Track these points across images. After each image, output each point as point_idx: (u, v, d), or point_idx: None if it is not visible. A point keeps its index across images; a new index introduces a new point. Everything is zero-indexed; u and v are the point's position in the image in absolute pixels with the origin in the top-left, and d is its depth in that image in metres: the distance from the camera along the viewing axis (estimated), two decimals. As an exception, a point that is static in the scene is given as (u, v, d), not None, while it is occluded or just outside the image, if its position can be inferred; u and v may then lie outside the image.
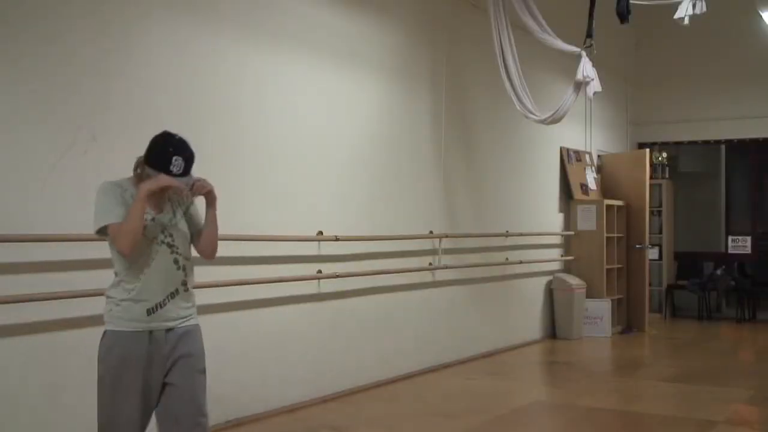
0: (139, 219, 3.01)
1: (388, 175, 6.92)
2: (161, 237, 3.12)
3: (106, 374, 3.13)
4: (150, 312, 3.09)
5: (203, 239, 3.28)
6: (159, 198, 3.17)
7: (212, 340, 5.11)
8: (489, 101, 8.40)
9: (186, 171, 3.13)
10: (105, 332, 3.15)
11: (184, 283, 3.20)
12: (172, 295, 3.14)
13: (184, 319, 3.20)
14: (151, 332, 3.09)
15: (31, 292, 4.11)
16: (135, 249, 3.03)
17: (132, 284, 3.07)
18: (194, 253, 3.32)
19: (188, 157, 3.16)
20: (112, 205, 3.07)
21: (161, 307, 3.10)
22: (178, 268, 3.17)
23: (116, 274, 3.14)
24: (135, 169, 3.22)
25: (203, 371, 3.24)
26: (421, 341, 7.32)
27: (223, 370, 5.15)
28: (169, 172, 3.07)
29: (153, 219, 3.13)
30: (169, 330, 3.14)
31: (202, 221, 3.32)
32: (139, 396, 3.09)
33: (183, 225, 3.23)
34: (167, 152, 3.12)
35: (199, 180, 3.17)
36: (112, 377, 3.11)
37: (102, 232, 3.10)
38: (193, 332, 3.23)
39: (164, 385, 3.14)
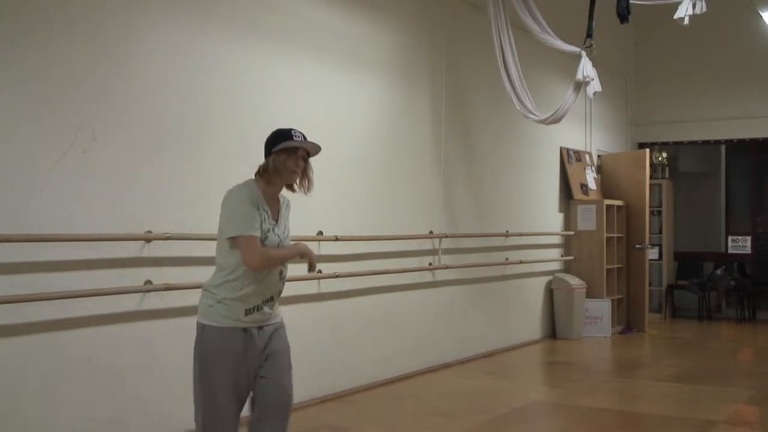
0: (282, 261, 3.31)
1: (388, 175, 6.92)
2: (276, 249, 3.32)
3: (204, 367, 3.26)
4: (248, 312, 3.27)
5: None
6: (276, 201, 3.38)
7: (212, 340, 5.13)
8: (489, 101, 8.40)
9: (305, 138, 3.32)
10: (203, 326, 3.28)
11: (280, 292, 3.41)
12: (268, 300, 3.34)
13: (274, 317, 3.40)
14: (245, 329, 3.27)
15: (31, 292, 4.11)
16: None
17: (240, 287, 3.24)
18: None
19: (303, 133, 3.35)
20: (250, 217, 3.22)
21: (258, 309, 3.29)
22: (280, 279, 3.38)
23: (222, 270, 3.28)
24: (258, 173, 3.37)
25: (290, 365, 3.44)
26: (421, 341, 7.32)
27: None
28: (292, 138, 3.28)
29: (274, 229, 3.32)
30: (260, 327, 3.32)
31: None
32: (234, 387, 3.26)
33: (289, 241, 3.43)
34: (285, 130, 3.35)
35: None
36: (210, 370, 3.25)
37: (231, 238, 3.24)
38: (282, 330, 3.44)
39: (257, 377, 3.32)
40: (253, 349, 3.28)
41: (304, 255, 3.35)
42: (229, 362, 3.24)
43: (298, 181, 3.39)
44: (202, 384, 3.27)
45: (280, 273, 3.36)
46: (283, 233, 3.38)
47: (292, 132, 3.33)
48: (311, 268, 3.37)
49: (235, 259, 3.24)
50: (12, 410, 4.08)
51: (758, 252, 11.85)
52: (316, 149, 3.38)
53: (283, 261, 3.32)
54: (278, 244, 3.32)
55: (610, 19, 7.93)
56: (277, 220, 3.36)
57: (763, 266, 11.81)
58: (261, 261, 3.22)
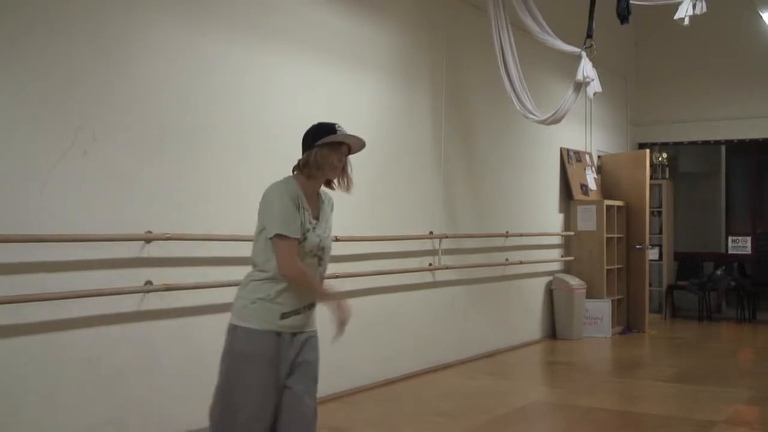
0: (309, 287, 3.16)
1: (388, 175, 6.92)
2: (315, 250, 3.20)
3: (230, 371, 3.15)
4: (285, 316, 3.14)
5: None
6: (316, 198, 3.26)
7: (213, 341, 5.12)
8: (489, 101, 8.40)
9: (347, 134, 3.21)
10: (235, 328, 3.16)
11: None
12: (308, 306, 3.22)
13: (310, 325, 3.28)
14: (279, 333, 3.14)
15: (31, 293, 4.11)
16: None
17: (278, 287, 3.13)
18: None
19: (343, 127, 3.24)
20: (293, 217, 3.11)
21: (296, 314, 3.17)
22: (319, 280, 3.25)
23: (262, 270, 3.16)
24: (296, 168, 3.24)
25: (317, 379, 3.32)
26: (421, 341, 7.32)
27: (223, 370, 5.15)
28: (335, 132, 3.18)
29: (314, 228, 3.19)
30: (294, 334, 3.20)
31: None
32: (263, 394, 3.12)
33: (330, 236, 3.32)
34: (328, 124, 3.23)
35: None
36: (236, 375, 3.13)
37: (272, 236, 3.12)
38: (316, 340, 3.31)
39: (284, 387, 3.18)
40: (284, 355, 3.15)
41: (337, 310, 3.18)
42: (258, 367, 3.10)
43: (337, 179, 3.28)
44: (225, 388, 3.15)
45: (320, 274, 3.26)
46: (324, 233, 3.25)
47: (336, 126, 3.22)
48: (339, 331, 3.21)
49: (272, 256, 3.14)
50: (12, 410, 4.08)
51: (758, 252, 11.85)
52: (360, 145, 3.27)
53: (311, 286, 3.16)
54: (318, 244, 3.19)
55: (610, 19, 7.92)
56: (317, 219, 3.24)
57: (763, 266, 11.81)
58: (296, 276, 3.10)
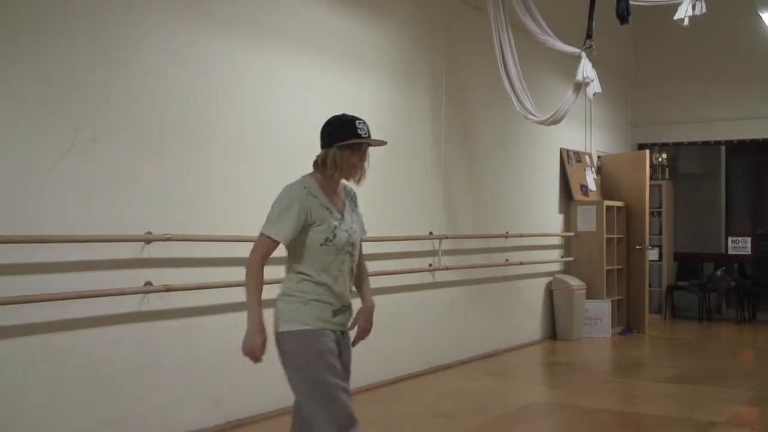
0: (248, 292, 3.05)
1: (388, 176, 6.91)
2: (347, 247, 3.16)
3: (305, 366, 3.07)
4: (336, 313, 3.14)
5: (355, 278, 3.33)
6: (336, 194, 3.19)
7: (213, 340, 5.13)
8: (489, 102, 8.39)
9: (369, 134, 3.12)
10: (283, 334, 3.09)
11: (350, 290, 3.26)
12: (349, 305, 3.22)
13: (346, 326, 3.26)
14: (333, 331, 3.14)
15: (31, 293, 4.11)
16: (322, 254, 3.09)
17: (320, 289, 3.10)
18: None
19: (366, 122, 3.14)
20: (287, 219, 3.04)
21: (343, 312, 3.17)
22: (351, 277, 3.23)
23: (302, 272, 3.10)
24: (317, 165, 3.16)
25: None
26: (421, 342, 7.32)
27: (223, 370, 5.15)
28: (358, 136, 3.06)
29: (340, 225, 3.14)
30: (343, 333, 3.22)
31: (363, 225, 3.37)
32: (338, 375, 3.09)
33: (359, 231, 3.28)
34: (348, 120, 3.11)
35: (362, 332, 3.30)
36: (312, 365, 3.06)
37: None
38: (349, 340, 3.29)
39: None
40: (341, 352, 3.16)
41: (246, 345, 3.03)
42: (332, 360, 3.06)
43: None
44: (311, 387, 3.06)
45: (352, 271, 3.22)
46: (351, 228, 3.18)
47: (357, 124, 3.08)
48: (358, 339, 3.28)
49: (303, 255, 3.09)
50: (12, 411, 4.07)
51: (758, 253, 11.84)
52: (380, 144, 3.20)
53: (250, 306, 3.04)
54: (347, 240, 3.13)
55: (609, 19, 7.92)
56: (342, 215, 3.16)
57: (763, 267, 11.81)
58: (248, 273, 3.03)
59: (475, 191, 8.31)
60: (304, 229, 3.06)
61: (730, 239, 12.11)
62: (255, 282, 3.03)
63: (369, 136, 3.11)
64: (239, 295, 5.22)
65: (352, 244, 3.17)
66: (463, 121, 8.09)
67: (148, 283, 4.75)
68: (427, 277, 7.47)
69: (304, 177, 3.16)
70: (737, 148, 12.26)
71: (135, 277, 4.69)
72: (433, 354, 7.50)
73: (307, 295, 3.08)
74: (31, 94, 4.20)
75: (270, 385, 5.61)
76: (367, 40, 6.68)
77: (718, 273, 11.69)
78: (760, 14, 10.50)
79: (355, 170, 3.12)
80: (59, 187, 4.29)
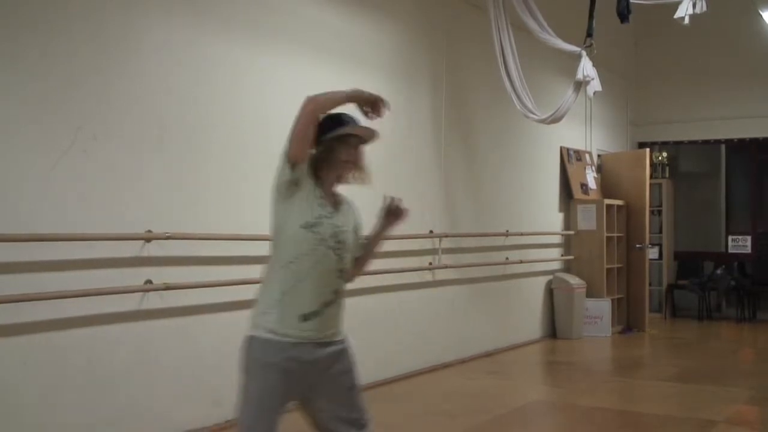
0: (332, 97, 2.87)
1: (388, 175, 6.91)
2: (331, 241, 2.85)
3: (247, 385, 2.83)
4: (306, 318, 2.80)
5: (358, 266, 3.09)
6: (332, 195, 2.94)
7: (213, 339, 5.14)
8: (489, 101, 8.40)
9: (357, 123, 2.93)
10: (250, 338, 2.83)
11: (341, 294, 2.94)
12: (329, 303, 2.87)
13: (338, 333, 2.94)
14: (303, 343, 2.80)
15: (31, 292, 4.11)
16: (298, 244, 2.79)
17: (294, 279, 2.79)
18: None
19: (353, 116, 2.94)
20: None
21: (318, 315, 2.82)
22: (339, 278, 2.91)
23: (273, 264, 2.85)
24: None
25: (355, 385, 3.02)
26: (421, 341, 7.32)
27: (223, 369, 5.15)
28: (345, 123, 2.90)
29: (329, 216, 2.86)
30: (320, 344, 2.85)
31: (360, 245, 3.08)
32: (280, 411, 2.83)
33: (352, 236, 2.98)
34: (334, 115, 2.95)
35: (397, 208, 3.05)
36: (252, 389, 2.81)
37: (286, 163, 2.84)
38: (348, 350, 2.99)
39: (315, 409, 2.91)
40: (310, 368, 2.82)
41: (364, 99, 2.85)
42: (276, 379, 2.77)
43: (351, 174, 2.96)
44: (245, 409, 2.81)
45: (340, 272, 2.89)
46: (343, 226, 2.91)
47: (343, 117, 2.91)
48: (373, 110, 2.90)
49: (278, 249, 2.83)
50: (11, 410, 4.08)
51: (758, 252, 11.85)
52: (371, 135, 2.95)
53: (334, 100, 2.87)
54: (333, 233, 2.84)
55: (610, 18, 7.93)
56: (335, 210, 2.91)
57: (763, 266, 11.81)
58: (310, 104, 2.86)
59: (476, 190, 8.31)
60: (289, 197, 2.81)
61: (730, 238, 12.11)
62: (321, 97, 2.90)
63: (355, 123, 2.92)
64: (239, 293, 5.26)
65: (341, 242, 2.88)
66: (464, 120, 8.09)
67: (148, 282, 4.76)
68: (427, 276, 7.47)
69: None
70: (737, 147, 12.26)
71: (135, 276, 4.70)
72: (433, 353, 7.50)
73: (274, 293, 2.81)
74: (31, 93, 4.20)
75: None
76: (367, 39, 6.69)
77: (719, 272, 11.69)
78: (760, 13, 10.50)
79: (347, 166, 2.90)
80: (59, 187, 4.30)
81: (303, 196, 2.83)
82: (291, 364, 2.79)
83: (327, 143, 2.89)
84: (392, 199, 3.08)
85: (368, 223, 3.21)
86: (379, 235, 3.13)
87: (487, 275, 8.39)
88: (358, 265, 3.09)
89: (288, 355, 2.78)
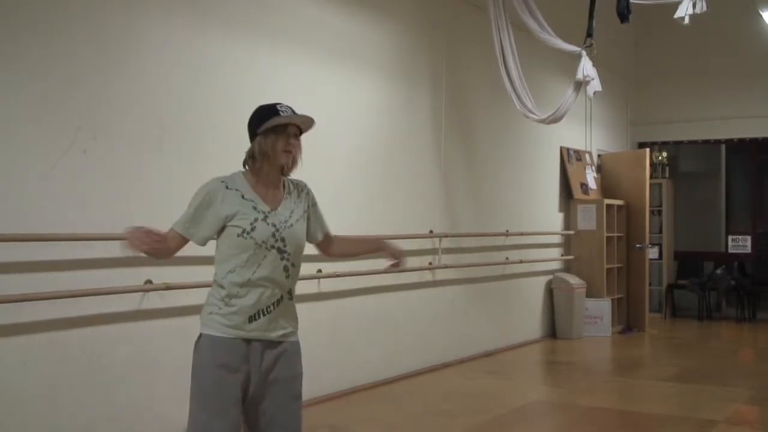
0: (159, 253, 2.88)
1: (388, 175, 6.92)
2: (271, 241, 2.85)
3: (194, 383, 2.87)
4: (252, 319, 2.84)
5: (340, 249, 3.20)
6: (275, 189, 2.94)
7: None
8: (489, 101, 8.40)
9: (294, 112, 2.90)
10: (200, 336, 2.90)
11: (290, 292, 2.95)
12: (277, 303, 2.89)
13: (286, 334, 2.93)
14: (249, 341, 2.84)
15: (31, 292, 4.11)
16: (240, 249, 2.84)
17: (235, 289, 2.85)
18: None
19: (290, 106, 2.92)
20: (188, 216, 2.89)
21: (264, 314, 2.85)
22: (287, 277, 2.91)
23: (217, 274, 2.91)
24: (244, 164, 2.98)
25: (298, 396, 2.98)
26: (421, 341, 7.32)
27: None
28: (278, 114, 2.85)
29: (265, 218, 2.86)
30: (270, 343, 2.88)
31: (325, 223, 3.15)
32: (223, 408, 2.81)
33: (299, 229, 2.96)
34: (267, 106, 2.91)
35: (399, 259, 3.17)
36: (200, 386, 2.85)
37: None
38: (293, 354, 2.96)
39: (255, 407, 2.88)
40: (254, 368, 2.84)
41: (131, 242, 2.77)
42: (222, 382, 2.80)
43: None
44: (192, 406, 2.84)
45: (285, 269, 2.89)
46: (285, 222, 2.89)
47: (278, 107, 2.86)
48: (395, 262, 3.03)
49: (222, 254, 2.90)
50: (11, 410, 4.08)
51: (758, 251, 11.85)
52: (308, 123, 2.92)
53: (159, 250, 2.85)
54: (273, 234, 2.84)
55: (610, 18, 7.93)
56: (274, 209, 2.90)
57: (763, 266, 11.81)
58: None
59: (476, 190, 8.32)
60: (222, 223, 2.86)
61: (730, 238, 12.11)
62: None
63: (293, 113, 2.89)
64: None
65: (283, 239, 2.88)
66: (464, 119, 8.09)
67: (148, 282, 4.76)
68: (427, 276, 7.47)
69: (233, 173, 2.97)
70: (737, 147, 12.26)
71: (135, 276, 4.70)
72: (433, 353, 7.51)
73: (220, 294, 2.87)
74: (31, 93, 4.20)
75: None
76: (367, 39, 6.69)
77: (718, 272, 11.69)
78: (760, 13, 10.50)
79: (284, 156, 2.88)
80: (59, 187, 4.30)
81: (229, 212, 2.86)
82: (237, 362, 2.82)
83: (263, 136, 2.88)
84: (398, 262, 3.17)
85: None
86: (373, 251, 3.25)
87: (487, 275, 8.39)
88: (344, 250, 3.25)
89: (235, 353, 2.82)
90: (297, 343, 3.00)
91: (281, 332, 2.92)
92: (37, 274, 4.20)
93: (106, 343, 4.54)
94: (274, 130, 2.87)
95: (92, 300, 4.43)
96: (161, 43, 4.92)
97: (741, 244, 11.95)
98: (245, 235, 2.83)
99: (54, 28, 4.30)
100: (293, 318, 2.99)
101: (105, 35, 4.57)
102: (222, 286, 2.89)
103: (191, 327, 5.04)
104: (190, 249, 5.00)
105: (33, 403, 4.17)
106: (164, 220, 4.83)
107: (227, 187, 2.89)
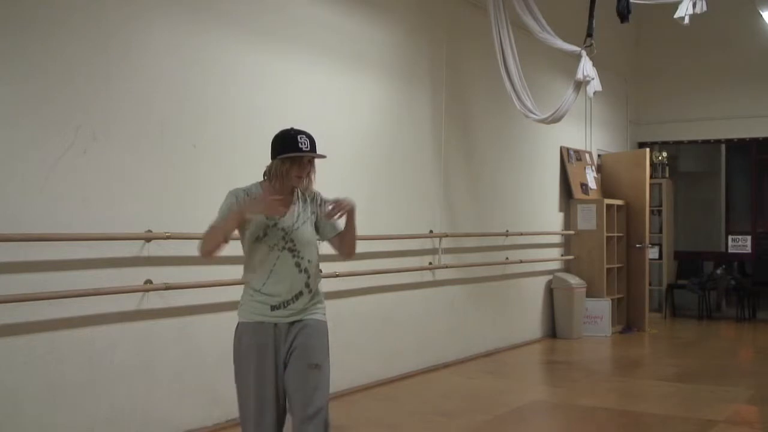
0: (222, 233, 3.23)
1: (388, 175, 6.92)
2: (282, 243, 3.31)
3: (236, 364, 3.36)
4: (274, 308, 3.31)
5: (343, 245, 3.51)
6: (286, 200, 3.34)
7: (212, 338, 5.13)
8: (489, 101, 8.39)
9: (313, 147, 3.31)
10: (238, 324, 3.39)
11: (308, 285, 3.37)
12: (297, 296, 3.34)
13: (308, 313, 3.38)
14: (275, 324, 3.31)
15: (31, 292, 4.11)
16: (256, 255, 3.33)
17: (262, 282, 3.32)
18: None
19: (310, 136, 3.33)
20: (223, 208, 3.33)
21: (285, 306, 3.32)
22: (300, 272, 3.34)
23: (244, 275, 3.41)
24: (264, 175, 3.40)
25: (317, 365, 3.33)
26: (421, 341, 7.32)
27: (223, 369, 5.15)
28: (299, 149, 3.26)
29: (275, 224, 3.31)
30: (292, 323, 3.33)
31: (338, 224, 3.49)
32: (259, 383, 3.27)
33: (306, 230, 3.40)
34: (290, 135, 3.32)
35: (337, 203, 3.33)
36: (239, 367, 3.33)
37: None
38: (311, 327, 3.37)
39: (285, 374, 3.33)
40: (281, 344, 3.31)
41: (250, 210, 3.22)
42: (254, 357, 3.27)
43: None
44: (236, 382, 3.34)
45: (297, 265, 3.32)
46: (294, 225, 3.34)
47: (299, 139, 3.30)
48: (334, 213, 3.30)
49: (249, 253, 3.35)
50: (11, 410, 4.08)
51: (758, 251, 11.85)
52: (321, 158, 3.39)
53: (223, 229, 3.24)
54: (284, 236, 3.31)
55: (610, 18, 7.93)
56: (284, 214, 3.34)
57: (763, 266, 11.81)
58: (205, 241, 3.27)
59: (476, 189, 8.31)
60: (244, 226, 3.31)
61: (730, 238, 12.11)
62: (206, 233, 3.29)
63: (311, 150, 3.29)
64: (239, 293, 5.25)
65: (292, 240, 3.32)
66: (464, 119, 8.09)
67: (148, 282, 4.76)
68: (427, 276, 7.47)
69: (253, 183, 3.40)
70: (737, 147, 12.27)
71: (135, 276, 4.70)
72: (433, 353, 7.51)
73: (250, 290, 3.36)
74: (31, 92, 4.20)
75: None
76: (367, 38, 6.68)
77: (718, 271, 11.69)
78: (761, 13, 10.50)
79: (297, 181, 3.33)
80: (59, 186, 4.29)
81: (249, 221, 3.31)
82: (264, 339, 3.30)
83: (281, 162, 3.31)
84: (333, 206, 3.36)
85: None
86: (348, 221, 3.47)
87: (487, 275, 8.39)
88: (345, 244, 3.52)
89: (262, 332, 3.30)
90: (320, 321, 3.42)
91: (301, 316, 3.36)
92: (37, 274, 4.20)
93: (106, 343, 4.54)
94: (291, 159, 3.29)
95: (93, 300, 4.43)
96: (162, 42, 4.91)
97: (741, 244, 11.95)
98: (260, 240, 3.31)
99: (54, 28, 4.30)
100: (314, 307, 3.42)
101: (105, 34, 4.56)
102: (249, 284, 3.39)
103: (191, 327, 5.08)
104: (190, 250, 5.02)
105: (33, 403, 4.17)
106: (164, 220, 4.87)
107: (247, 195, 3.33)
